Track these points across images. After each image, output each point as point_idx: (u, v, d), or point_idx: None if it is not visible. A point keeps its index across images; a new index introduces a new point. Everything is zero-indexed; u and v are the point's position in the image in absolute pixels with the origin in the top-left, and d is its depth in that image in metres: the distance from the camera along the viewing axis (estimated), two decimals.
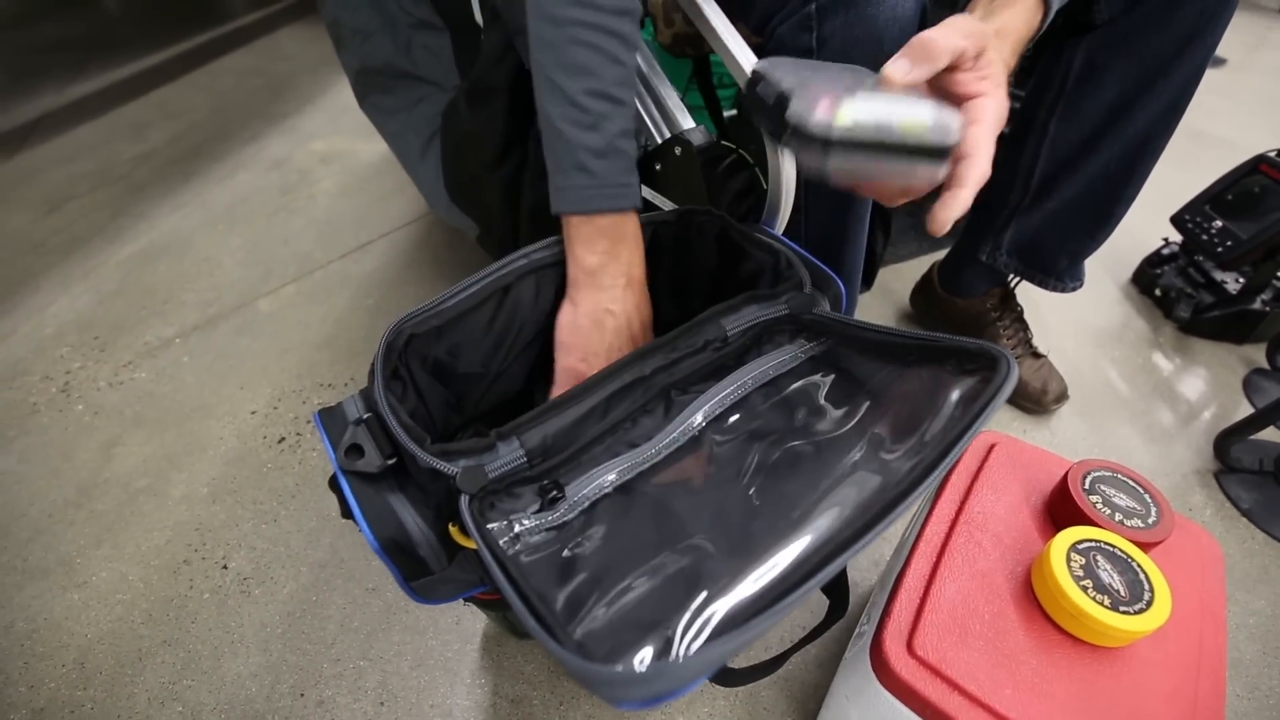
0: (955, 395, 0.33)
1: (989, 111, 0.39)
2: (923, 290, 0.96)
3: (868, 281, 1.06)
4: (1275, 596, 0.68)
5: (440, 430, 0.51)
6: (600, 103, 0.45)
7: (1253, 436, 0.79)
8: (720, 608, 0.27)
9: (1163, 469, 0.81)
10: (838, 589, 0.49)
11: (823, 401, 0.39)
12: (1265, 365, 0.93)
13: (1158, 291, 1.04)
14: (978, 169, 0.38)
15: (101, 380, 0.94)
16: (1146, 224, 1.08)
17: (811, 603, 0.61)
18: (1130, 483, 0.46)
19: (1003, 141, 0.72)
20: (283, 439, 0.85)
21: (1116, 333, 1.01)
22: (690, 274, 0.57)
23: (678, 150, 0.58)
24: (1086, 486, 0.45)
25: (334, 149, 1.50)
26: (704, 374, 0.43)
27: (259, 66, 1.98)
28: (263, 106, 1.71)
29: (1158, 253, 1.07)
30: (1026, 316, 0.90)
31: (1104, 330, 1.02)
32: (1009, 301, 0.87)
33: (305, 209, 1.30)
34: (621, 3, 0.45)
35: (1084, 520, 0.43)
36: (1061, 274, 0.77)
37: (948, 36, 0.37)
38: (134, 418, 0.89)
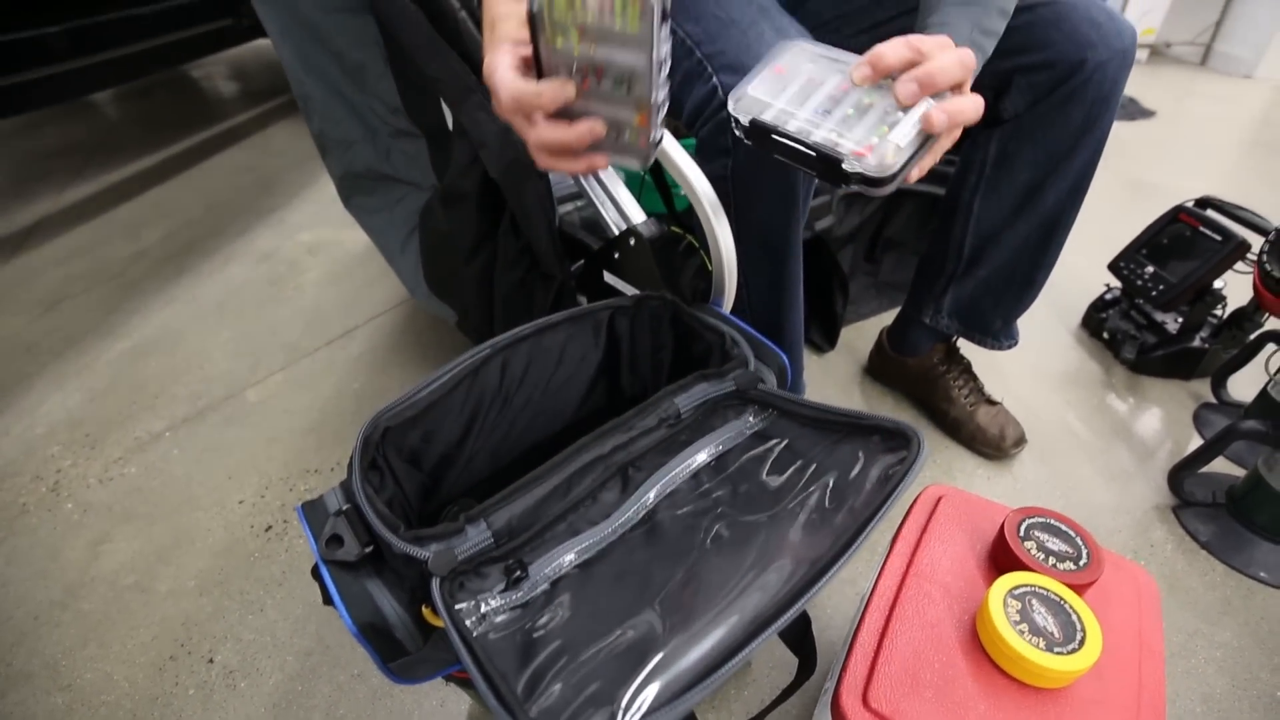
0: (876, 473, 0.37)
1: (971, 99, 0.42)
2: (877, 353, 1.02)
3: (831, 341, 1.12)
4: (1239, 628, 0.70)
5: (418, 512, 0.54)
6: None
7: (1205, 470, 0.82)
8: (661, 682, 0.30)
9: (1124, 506, 0.84)
10: (805, 648, 0.51)
11: (764, 477, 0.43)
12: (1212, 399, 0.98)
13: (1105, 334, 1.10)
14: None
15: (91, 477, 0.96)
16: (1092, 270, 1.16)
17: (787, 663, 0.62)
18: (1063, 528, 0.49)
19: (939, 215, 0.78)
20: (269, 527, 0.87)
21: (1071, 375, 1.06)
22: (649, 353, 0.61)
23: (632, 241, 0.63)
24: (1022, 534, 0.48)
25: (320, 239, 1.57)
26: (659, 450, 0.47)
27: (250, 163, 2.09)
28: (253, 201, 1.79)
29: (1102, 298, 1.14)
30: (985, 363, 0.95)
31: (1058, 374, 1.07)
32: (954, 356, 0.93)
33: (293, 299, 1.35)
34: None
35: (1020, 566, 0.47)
36: (997, 334, 0.83)
37: (895, 49, 0.41)
38: (123, 514, 0.90)
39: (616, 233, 0.66)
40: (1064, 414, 0.99)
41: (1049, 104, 0.65)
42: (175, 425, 1.04)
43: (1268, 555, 0.74)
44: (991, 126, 0.70)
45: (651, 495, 0.43)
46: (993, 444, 0.88)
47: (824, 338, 1.11)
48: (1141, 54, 2.98)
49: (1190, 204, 1.01)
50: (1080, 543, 0.48)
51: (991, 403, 0.92)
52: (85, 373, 1.17)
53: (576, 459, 0.45)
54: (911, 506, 0.57)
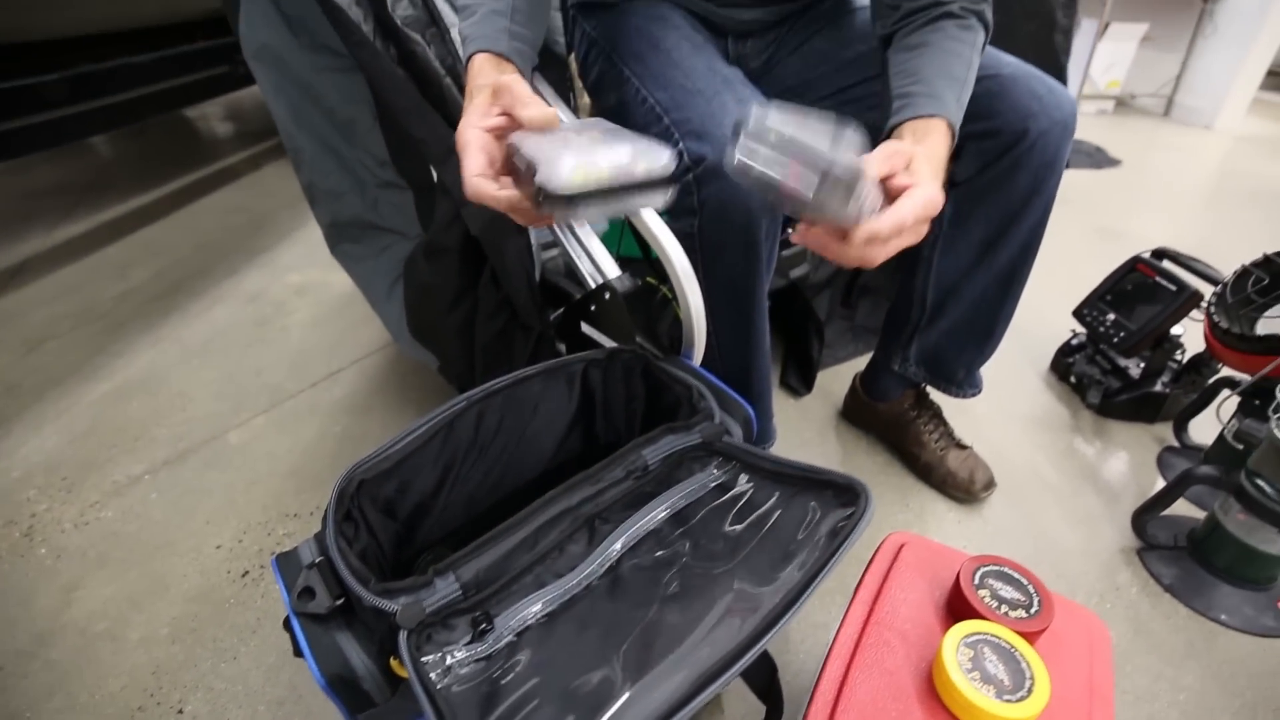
0: (826, 527, 0.39)
1: (913, 197, 0.45)
2: (851, 397, 1.05)
3: (808, 385, 1.15)
4: (1203, 670, 0.71)
5: (392, 561, 0.55)
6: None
7: (1167, 513, 0.85)
8: None
9: (1090, 549, 0.86)
10: (771, 696, 0.52)
11: (724, 529, 0.45)
12: (1175, 443, 1.01)
13: (1072, 379, 1.13)
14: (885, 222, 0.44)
15: (66, 522, 0.95)
16: (1060, 315, 1.20)
17: (757, 709, 0.62)
18: (1016, 576, 0.51)
19: (904, 268, 0.82)
20: (246, 573, 0.87)
21: (1040, 419, 1.09)
22: (622, 404, 0.63)
23: (607, 295, 0.66)
24: (977, 582, 0.50)
25: (309, 281, 1.59)
26: (626, 502, 0.48)
27: (243, 203, 2.12)
28: (243, 242, 1.82)
29: (1069, 343, 1.18)
30: (957, 407, 0.97)
31: (1028, 417, 1.10)
32: (924, 401, 0.96)
33: (278, 340, 1.36)
34: None
35: (974, 614, 0.48)
36: (960, 382, 0.87)
37: (870, 164, 0.44)
38: (97, 559, 0.90)
39: (593, 286, 0.69)
40: (1033, 457, 1.01)
41: (998, 169, 0.69)
42: (155, 468, 1.04)
43: (1227, 598, 0.76)
44: (947, 188, 0.75)
45: (617, 547, 0.45)
46: (963, 488, 0.90)
47: (801, 381, 1.14)
48: (1108, 105, 3.12)
49: (1147, 254, 1.06)
50: (1032, 590, 0.50)
51: (962, 447, 0.94)
52: (66, 414, 1.17)
53: (545, 511, 0.46)
54: (875, 554, 0.59)
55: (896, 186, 0.46)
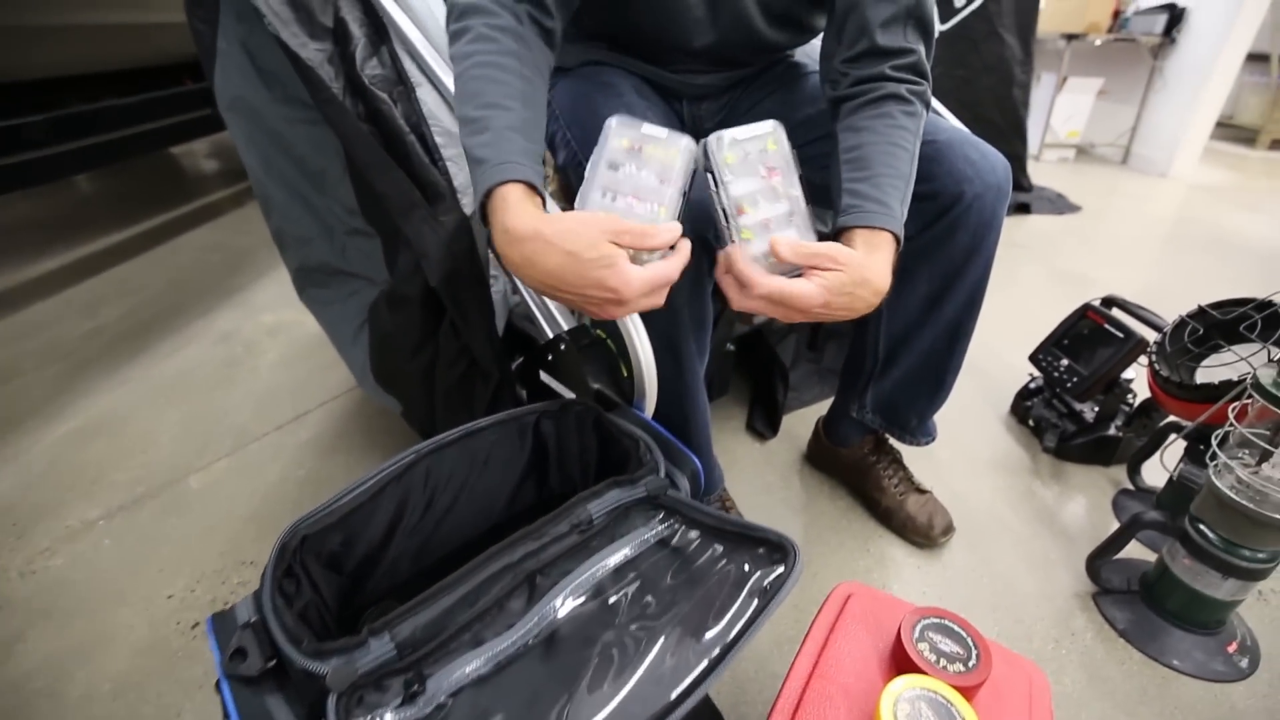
0: (758, 584, 0.40)
1: (791, 284, 0.52)
2: (814, 442, 1.06)
3: (773, 428, 1.16)
4: (1155, 718, 0.72)
5: (338, 616, 0.54)
6: (487, 111, 0.54)
7: (1121, 556, 0.86)
8: None
9: (1046, 593, 0.86)
10: None
11: (661, 586, 0.45)
12: (1129, 485, 1.03)
13: (1030, 422, 1.16)
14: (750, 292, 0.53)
15: (14, 570, 0.93)
16: (1019, 359, 1.23)
17: None
18: (955, 628, 0.51)
19: (859, 319, 0.85)
20: (196, 624, 0.84)
21: (999, 462, 1.11)
22: (575, 454, 0.64)
23: (562, 346, 0.67)
24: (917, 635, 0.51)
25: (282, 321, 1.59)
26: (569, 556, 0.49)
27: (220, 241, 2.13)
28: (218, 280, 1.82)
29: (1026, 386, 1.21)
30: (918, 450, 0.99)
31: (987, 460, 1.12)
32: (883, 447, 0.97)
33: (247, 381, 1.36)
34: (507, 42, 0.57)
35: (913, 668, 0.49)
36: (914, 430, 0.88)
37: (821, 256, 0.54)
38: (43, 610, 0.87)
39: (550, 335, 0.71)
40: (992, 501, 1.03)
41: (937, 229, 0.72)
42: (110, 514, 1.02)
43: (1179, 643, 0.77)
44: None
45: (555, 603, 0.45)
46: (922, 533, 0.91)
47: (766, 425, 1.15)
48: (1069, 153, 3.26)
49: (1097, 302, 1.10)
50: (970, 642, 0.50)
51: (921, 491, 0.95)
52: (24, 456, 1.15)
53: (487, 566, 0.46)
54: (823, 605, 0.59)
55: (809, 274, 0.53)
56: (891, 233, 0.58)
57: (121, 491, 1.07)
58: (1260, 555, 0.70)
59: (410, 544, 0.57)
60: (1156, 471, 1.03)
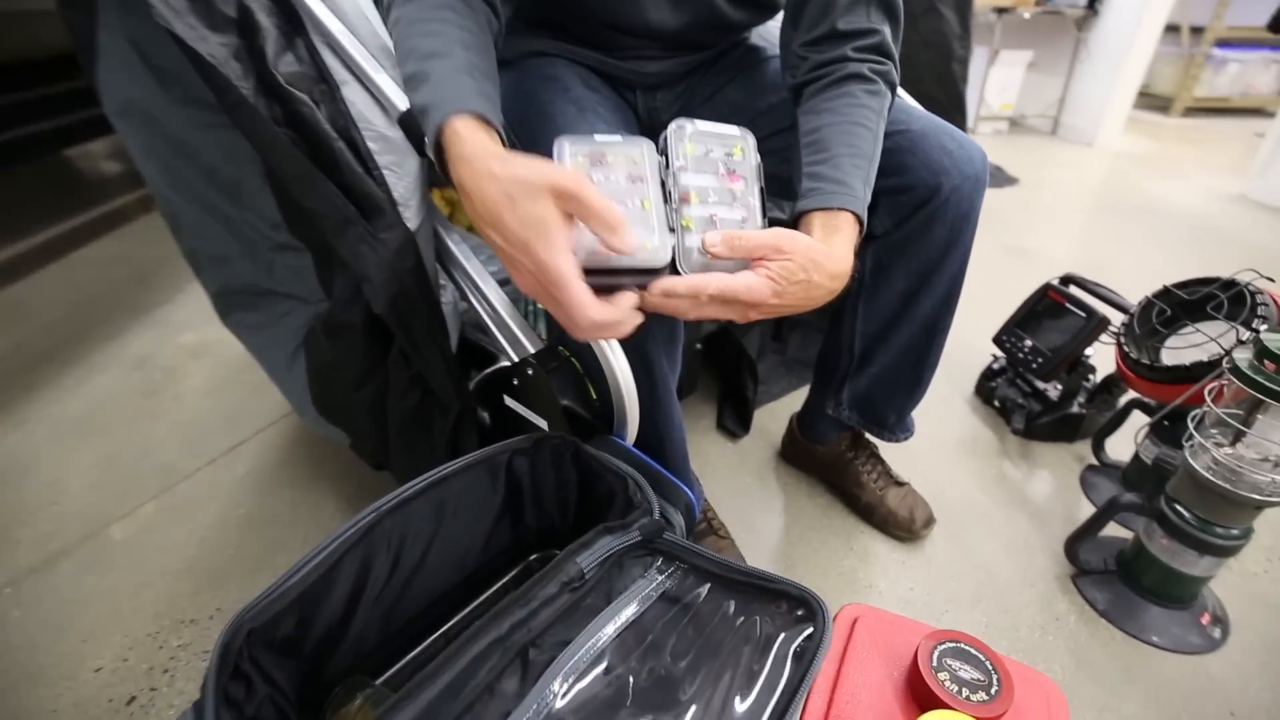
0: (785, 649, 0.36)
1: (736, 279, 0.48)
2: (789, 439, 1.04)
3: (745, 426, 1.13)
4: (1142, 697, 0.73)
5: (299, 701, 0.48)
6: (427, 62, 0.51)
7: (1097, 535, 0.87)
8: None
9: (1028, 579, 0.87)
10: None
11: (671, 653, 0.41)
12: (1094, 461, 1.05)
13: (996, 403, 1.17)
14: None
15: None
16: (980, 339, 1.23)
17: None
18: (974, 652, 0.49)
19: (832, 314, 0.82)
20: (133, 698, 0.75)
21: (969, 445, 1.12)
22: (553, 489, 0.58)
23: (529, 371, 0.61)
24: (935, 663, 0.48)
25: (205, 341, 1.45)
26: (563, 621, 0.44)
27: (126, 253, 1.93)
28: (126, 298, 1.65)
29: (990, 367, 1.22)
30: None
31: (957, 444, 1.12)
32: (860, 442, 0.96)
33: (170, 412, 1.23)
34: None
35: (935, 701, 0.46)
36: (892, 427, 0.87)
37: (756, 243, 0.49)
38: None
39: (515, 358, 0.64)
40: (966, 487, 1.03)
41: (913, 223, 0.69)
42: (17, 579, 0.90)
43: (1157, 619, 0.79)
44: (867, 242, 0.75)
45: (554, 687, 0.40)
46: (904, 527, 0.90)
47: (738, 423, 1.12)
48: (1002, 125, 3.35)
49: (1056, 282, 1.11)
50: (990, 668, 0.48)
51: (899, 484, 0.94)
52: None
53: (471, 646, 0.41)
54: None
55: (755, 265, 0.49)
56: (852, 213, 0.55)
57: (29, 552, 0.94)
58: (1234, 532, 0.72)
59: (375, 612, 0.51)
60: (1118, 446, 1.05)
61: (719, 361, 1.23)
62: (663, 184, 0.53)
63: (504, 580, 0.62)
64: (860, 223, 0.56)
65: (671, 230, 0.51)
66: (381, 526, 0.49)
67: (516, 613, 0.43)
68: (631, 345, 0.61)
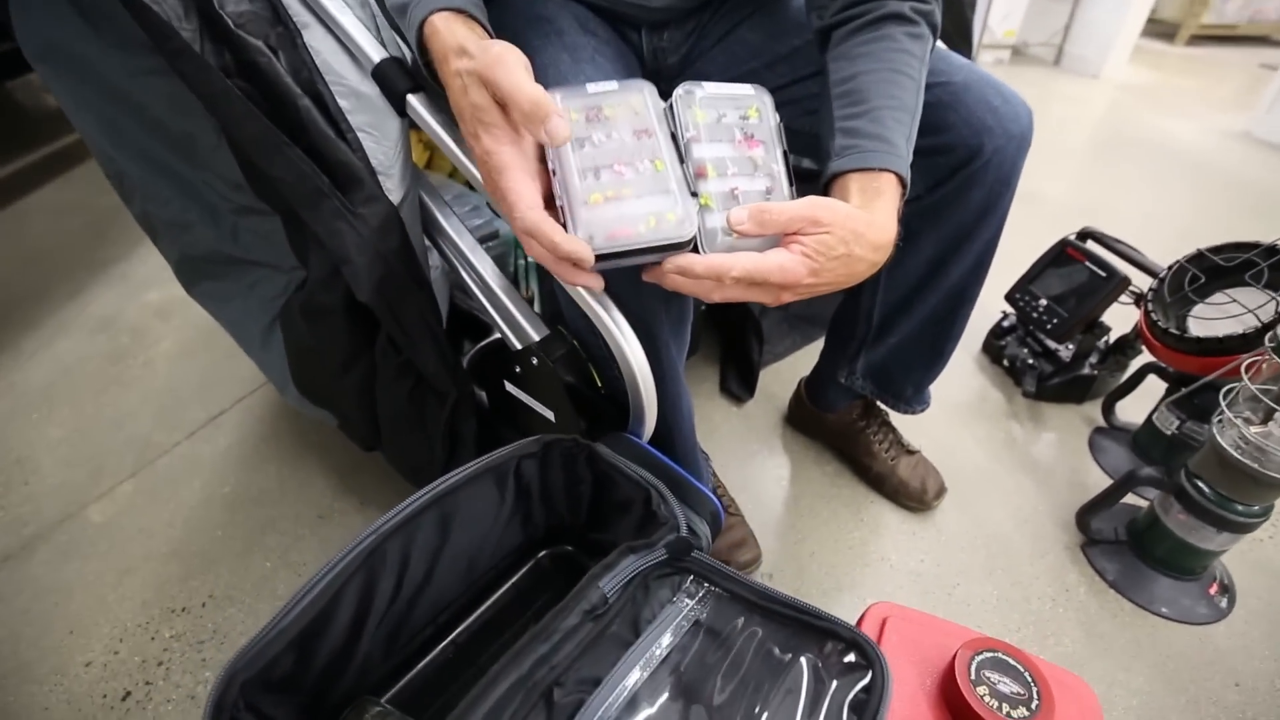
0: (837, 698, 0.33)
1: (765, 258, 0.43)
2: (797, 405, 1.00)
3: (749, 390, 1.09)
4: (1150, 670, 0.74)
5: None
6: None
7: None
8: None
9: (1038, 549, 0.86)
10: None
11: (716, 686, 0.38)
12: (1103, 423, 1.04)
13: (1005, 362, 1.14)
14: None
15: None
16: (987, 295, 1.19)
17: None
18: (1012, 663, 0.47)
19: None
20: (128, 694, 0.73)
21: (976, 407, 1.09)
22: (563, 489, 0.54)
23: (534, 360, 0.56)
24: (973, 676, 0.46)
25: (172, 299, 1.36)
26: (588, 656, 0.40)
27: (80, 200, 1.79)
28: (85, 252, 1.53)
29: (999, 324, 1.18)
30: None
31: (965, 405, 1.10)
32: (872, 410, 0.93)
33: (142, 379, 1.16)
34: None
35: (974, 717, 0.44)
36: (909, 399, 0.83)
37: (785, 216, 0.43)
38: None
39: (518, 345, 0.59)
40: (974, 452, 1.01)
41: (949, 187, 0.63)
42: None
43: (1165, 590, 0.79)
44: None
45: None
46: (916, 498, 0.89)
47: (742, 387, 1.08)
48: (1004, 54, 3.19)
49: (1073, 237, 1.06)
50: (1029, 679, 0.46)
51: (910, 452, 0.92)
52: None
53: (493, 689, 0.37)
54: (857, 628, 0.54)
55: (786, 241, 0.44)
56: (895, 174, 0.49)
57: (3, 536, 0.90)
58: (1255, 509, 0.70)
59: (380, 634, 0.47)
60: (1128, 408, 1.03)
61: (722, 322, 1.17)
62: (674, 136, 0.47)
63: (514, 579, 0.59)
64: (903, 184, 0.50)
65: (694, 195, 0.45)
66: (383, 548, 0.45)
67: (538, 648, 0.39)
68: (636, 325, 0.55)
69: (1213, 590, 0.79)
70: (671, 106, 0.48)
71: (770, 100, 0.51)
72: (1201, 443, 0.72)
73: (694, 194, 0.45)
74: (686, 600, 0.43)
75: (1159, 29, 3.72)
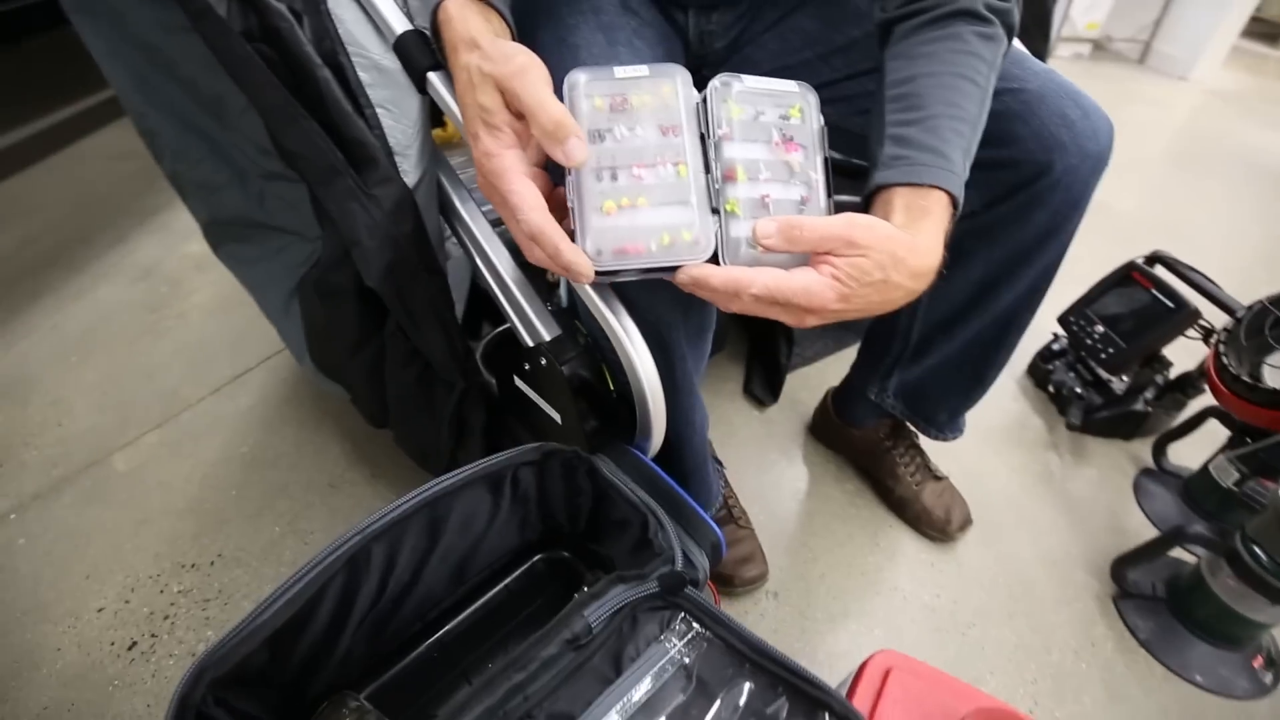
0: None
1: (791, 277, 0.39)
2: (821, 415, 0.96)
3: (774, 394, 1.05)
4: None
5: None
6: None
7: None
8: None
9: (1065, 596, 0.81)
10: None
11: None
12: (1152, 465, 0.97)
13: (1050, 388, 1.07)
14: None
15: None
16: (1039, 313, 1.11)
17: None
18: None
19: None
20: (134, 644, 0.75)
21: (1014, 434, 1.03)
22: (562, 498, 0.52)
23: (543, 361, 0.53)
24: None
25: (210, 252, 1.37)
26: (566, 687, 0.38)
27: (133, 147, 1.77)
28: (133, 199, 1.56)
29: (1048, 347, 1.11)
30: None
31: (1002, 431, 1.04)
32: (900, 431, 0.88)
33: (175, 330, 1.18)
34: None
35: None
36: (942, 426, 0.79)
37: (818, 236, 0.39)
38: None
39: (530, 342, 0.56)
40: (1007, 482, 0.96)
41: (1010, 205, 0.58)
42: (23, 504, 0.89)
43: (1204, 657, 0.73)
44: None
45: None
46: (939, 527, 0.84)
47: (767, 391, 1.04)
48: (1084, 49, 2.98)
49: (1141, 260, 0.98)
50: None
51: (938, 478, 0.87)
52: None
53: (464, 715, 0.36)
54: (858, 678, 0.51)
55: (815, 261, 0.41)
56: (947, 193, 0.44)
57: (35, 476, 0.93)
58: None
59: (362, 632, 0.46)
60: (1182, 450, 0.96)
61: (750, 320, 1.13)
62: (702, 138, 0.43)
63: (506, 582, 0.57)
64: (955, 204, 0.45)
65: (714, 211, 0.42)
66: (369, 548, 0.43)
67: (513, 676, 0.38)
68: (649, 334, 0.52)
69: (1258, 663, 0.73)
70: (706, 100, 0.44)
71: (815, 100, 0.46)
72: (1264, 505, 0.66)
73: (714, 210, 0.42)
74: (674, 640, 0.40)
75: (1263, 28, 3.41)
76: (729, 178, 0.43)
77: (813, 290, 0.40)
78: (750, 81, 0.45)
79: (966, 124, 0.46)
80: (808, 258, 0.41)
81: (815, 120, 0.46)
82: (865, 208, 0.46)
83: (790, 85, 0.46)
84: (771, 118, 0.45)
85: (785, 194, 0.44)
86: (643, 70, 0.44)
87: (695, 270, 0.40)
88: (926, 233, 0.43)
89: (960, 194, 0.45)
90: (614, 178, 0.41)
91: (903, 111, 0.47)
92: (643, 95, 0.43)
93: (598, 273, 0.39)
